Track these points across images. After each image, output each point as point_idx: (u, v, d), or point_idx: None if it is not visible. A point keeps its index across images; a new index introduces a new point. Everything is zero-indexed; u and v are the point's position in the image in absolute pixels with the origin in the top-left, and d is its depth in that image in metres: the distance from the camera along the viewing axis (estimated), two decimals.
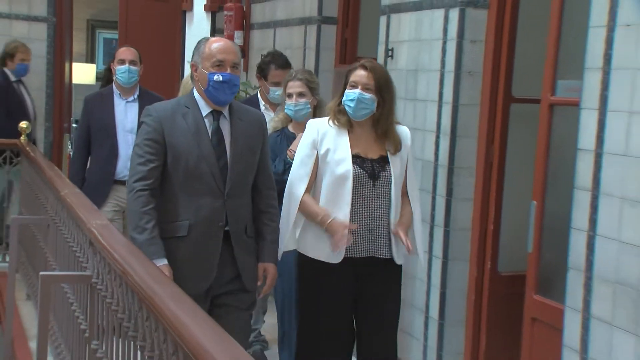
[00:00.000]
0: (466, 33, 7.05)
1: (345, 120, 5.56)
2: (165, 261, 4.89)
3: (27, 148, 9.63)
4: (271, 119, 7.22)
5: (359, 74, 5.46)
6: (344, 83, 5.59)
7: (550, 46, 6.21)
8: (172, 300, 3.47)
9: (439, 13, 7.32)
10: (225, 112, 5.25)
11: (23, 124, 10.09)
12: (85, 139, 7.88)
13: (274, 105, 7.87)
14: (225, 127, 5.20)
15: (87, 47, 20.84)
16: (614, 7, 5.23)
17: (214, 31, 13.17)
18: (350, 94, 5.42)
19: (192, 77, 5.32)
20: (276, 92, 7.40)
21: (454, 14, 7.13)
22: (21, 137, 9.93)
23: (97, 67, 20.21)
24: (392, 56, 7.91)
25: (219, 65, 5.05)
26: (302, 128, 6.24)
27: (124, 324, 4.11)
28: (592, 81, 5.46)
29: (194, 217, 5.06)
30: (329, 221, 5.45)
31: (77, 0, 16.58)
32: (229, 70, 5.09)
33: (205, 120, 5.17)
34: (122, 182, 7.39)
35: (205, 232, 5.08)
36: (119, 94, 7.90)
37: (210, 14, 13.40)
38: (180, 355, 3.17)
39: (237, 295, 5.25)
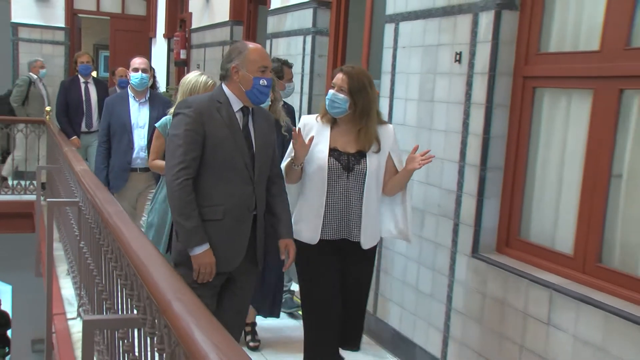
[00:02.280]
0: (316, 50, 7.24)
1: (329, 117, 4.25)
2: (207, 246, 3.73)
3: (49, 124, 9.63)
4: None
5: (338, 77, 4.19)
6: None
7: (364, 59, 6.44)
8: (116, 216, 3.62)
9: (300, 38, 7.49)
10: (250, 109, 3.94)
11: (47, 108, 10.11)
12: (107, 134, 6.35)
13: None
14: (250, 123, 3.91)
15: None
16: (396, 35, 5.49)
17: (169, 50, 13.29)
18: (329, 93, 4.19)
19: (224, 77, 3.87)
20: (290, 86, 5.99)
21: (309, 38, 7.30)
22: (46, 117, 9.98)
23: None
24: None
25: (264, 70, 3.83)
26: None
27: (94, 231, 4.28)
28: (385, 80, 5.69)
29: (228, 202, 3.81)
30: (293, 155, 4.22)
31: (86, 33, 16.61)
32: (269, 76, 3.89)
33: (237, 115, 3.86)
34: (135, 170, 6.28)
35: (237, 216, 3.85)
36: (133, 96, 6.38)
37: (166, 40, 13.51)
38: (120, 253, 3.28)
39: (248, 271, 4.03)
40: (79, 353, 4.29)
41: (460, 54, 4.74)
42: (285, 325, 5.98)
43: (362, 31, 6.65)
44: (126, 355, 3.17)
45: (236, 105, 3.84)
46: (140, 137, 6.28)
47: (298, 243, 4.17)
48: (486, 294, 4.47)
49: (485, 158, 4.56)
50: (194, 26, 11.93)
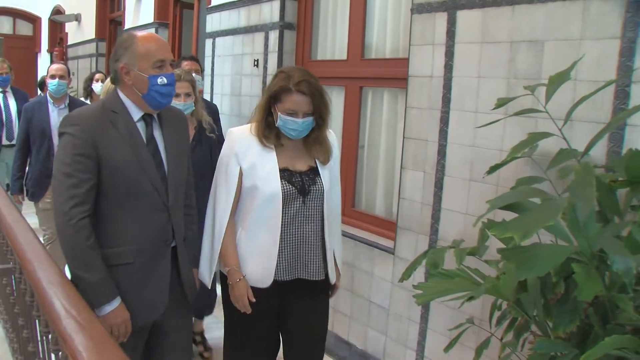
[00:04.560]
0: None
1: (274, 137, 2.51)
2: (119, 300, 2.24)
3: None
4: None
5: (297, 101, 2.43)
6: (268, 96, 2.49)
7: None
8: (8, 212, 3.17)
9: None
10: (155, 115, 2.38)
11: None
12: (25, 140, 4.89)
13: None
14: (156, 132, 2.37)
15: None
16: (214, 47, 5.44)
17: (51, 62, 12.67)
18: (291, 122, 2.44)
19: (116, 80, 2.32)
20: None
21: None
22: None
23: None
24: None
25: (161, 65, 2.27)
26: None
27: None
28: (207, 80, 5.55)
29: (139, 239, 2.29)
30: (236, 281, 2.51)
31: None
32: (170, 70, 2.32)
33: (138, 126, 2.31)
34: None
35: (152, 253, 2.32)
36: (52, 102, 4.89)
37: (49, 54, 12.95)
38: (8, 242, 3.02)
39: (177, 314, 2.47)
40: None
41: (257, 60, 4.80)
42: None
43: (190, 44, 6.61)
44: (9, 297, 3.09)
45: (136, 113, 2.32)
46: None
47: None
48: None
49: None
50: (69, 43, 11.41)
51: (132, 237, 2.28)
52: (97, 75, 6.07)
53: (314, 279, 2.55)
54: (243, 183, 2.52)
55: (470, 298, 2.17)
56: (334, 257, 2.69)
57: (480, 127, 2.81)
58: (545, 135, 2.21)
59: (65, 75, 4.99)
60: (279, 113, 2.47)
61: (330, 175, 2.61)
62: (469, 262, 2.36)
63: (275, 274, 2.52)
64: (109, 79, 3.62)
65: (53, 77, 4.91)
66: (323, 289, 2.66)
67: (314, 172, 2.56)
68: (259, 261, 2.52)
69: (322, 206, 2.55)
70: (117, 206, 2.26)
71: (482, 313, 2.90)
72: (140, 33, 2.31)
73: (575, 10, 2.49)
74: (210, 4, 5.57)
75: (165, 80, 2.28)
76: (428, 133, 3.22)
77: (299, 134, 2.49)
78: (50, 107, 4.88)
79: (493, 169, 2.41)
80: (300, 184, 2.52)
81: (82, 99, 6.02)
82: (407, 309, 3.44)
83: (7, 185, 5.08)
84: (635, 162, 1.81)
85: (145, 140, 2.31)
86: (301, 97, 2.43)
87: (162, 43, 2.33)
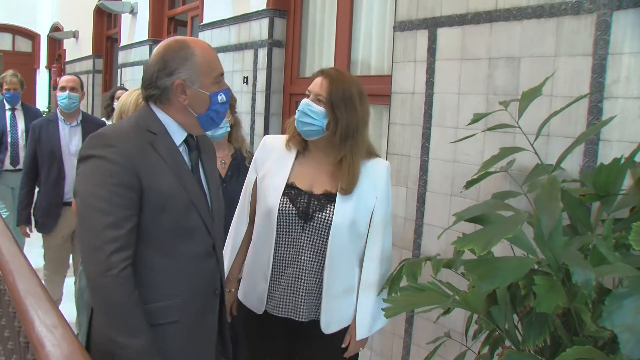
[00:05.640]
0: None
1: (298, 140, 2.23)
2: None
3: None
4: None
5: (316, 81, 2.17)
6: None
7: None
8: None
9: (141, 67, 7.36)
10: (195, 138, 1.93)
11: None
12: (33, 164, 4.16)
13: None
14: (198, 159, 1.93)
15: None
16: None
17: (50, 78, 12.76)
18: (301, 103, 2.16)
19: (159, 98, 1.78)
20: None
21: None
22: None
23: None
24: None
25: (220, 80, 1.85)
26: (220, 148, 2.95)
27: None
28: None
29: (186, 291, 1.80)
30: (228, 290, 2.41)
31: None
32: (226, 85, 1.89)
33: (180, 150, 1.83)
34: (69, 204, 4.08)
35: (201, 307, 1.86)
36: (63, 119, 4.17)
37: (48, 70, 13.07)
38: None
39: None
40: None
41: (247, 77, 4.83)
42: None
43: None
44: None
45: (178, 135, 1.84)
46: (73, 166, 3.98)
47: (242, 306, 2.37)
48: None
49: None
50: (67, 59, 11.53)
51: (177, 289, 1.80)
52: (119, 93, 5.19)
53: (300, 319, 2.21)
54: (257, 194, 2.28)
55: (446, 312, 2.18)
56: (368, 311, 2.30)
57: (453, 142, 2.84)
58: (517, 149, 2.23)
59: (77, 88, 4.28)
60: None
61: (356, 209, 2.17)
62: (444, 276, 2.38)
63: (267, 303, 2.25)
64: (125, 96, 2.92)
65: (63, 89, 4.22)
66: (336, 345, 2.28)
67: (328, 198, 2.18)
68: (256, 282, 2.27)
69: (327, 240, 2.16)
70: (158, 250, 1.76)
71: (463, 327, 2.91)
72: (190, 39, 1.84)
73: (549, 27, 2.52)
74: (202, 21, 5.62)
75: (224, 98, 1.86)
76: (410, 149, 3.25)
77: (298, 117, 2.15)
78: (61, 124, 4.19)
79: (470, 184, 2.43)
80: (303, 206, 2.17)
81: (104, 119, 5.31)
82: (392, 324, 3.44)
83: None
84: (601, 177, 1.83)
85: (190, 166, 1.86)
86: (321, 78, 2.17)
87: (215, 52, 1.89)
